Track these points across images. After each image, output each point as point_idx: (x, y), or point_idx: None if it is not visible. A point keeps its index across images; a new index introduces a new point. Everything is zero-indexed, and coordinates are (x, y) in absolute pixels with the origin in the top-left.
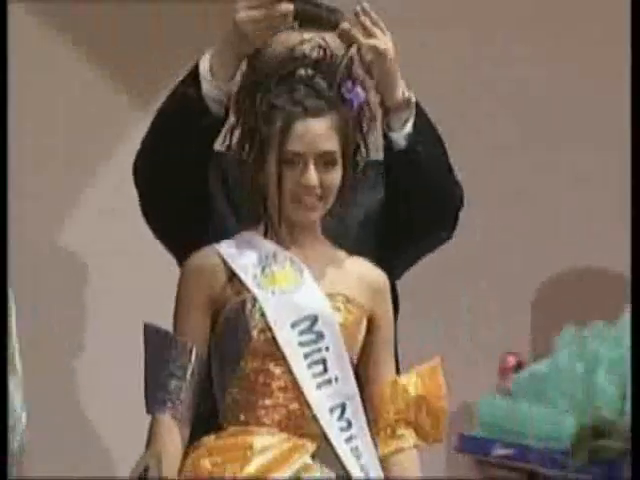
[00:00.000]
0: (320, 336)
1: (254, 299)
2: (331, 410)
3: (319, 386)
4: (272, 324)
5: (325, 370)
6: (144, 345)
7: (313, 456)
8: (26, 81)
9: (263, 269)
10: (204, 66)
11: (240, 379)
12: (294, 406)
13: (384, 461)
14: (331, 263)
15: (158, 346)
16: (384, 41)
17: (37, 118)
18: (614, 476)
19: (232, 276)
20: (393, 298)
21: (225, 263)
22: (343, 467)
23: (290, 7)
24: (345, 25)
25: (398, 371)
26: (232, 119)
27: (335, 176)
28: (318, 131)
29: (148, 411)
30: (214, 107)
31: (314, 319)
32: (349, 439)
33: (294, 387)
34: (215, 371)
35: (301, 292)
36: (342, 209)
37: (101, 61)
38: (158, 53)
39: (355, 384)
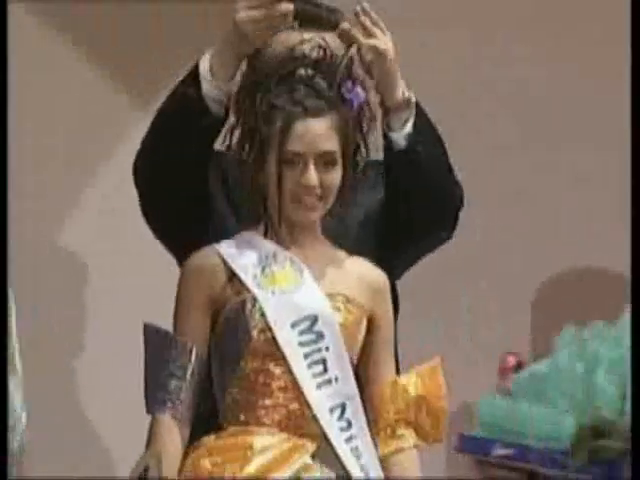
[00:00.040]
0: (320, 336)
1: (254, 299)
2: (331, 410)
3: (319, 386)
4: (272, 324)
5: (325, 370)
6: (144, 345)
7: (313, 456)
8: (26, 81)
9: (263, 269)
10: (204, 66)
11: (240, 379)
12: (294, 406)
13: (384, 461)
14: (331, 263)
15: (158, 346)
16: (384, 41)
17: (37, 118)
18: (614, 476)
19: (232, 276)
20: (393, 298)
21: (225, 263)
22: (343, 467)
23: (290, 7)
24: (345, 25)
25: (398, 371)
26: (232, 119)
27: (335, 176)
28: (318, 131)
29: (148, 411)
30: (214, 107)
31: (314, 319)
32: (349, 439)
33: (294, 387)
34: (215, 371)
35: (301, 292)
36: (342, 209)
37: (101, 61)
38: (158, 53)
39: (355, 384)
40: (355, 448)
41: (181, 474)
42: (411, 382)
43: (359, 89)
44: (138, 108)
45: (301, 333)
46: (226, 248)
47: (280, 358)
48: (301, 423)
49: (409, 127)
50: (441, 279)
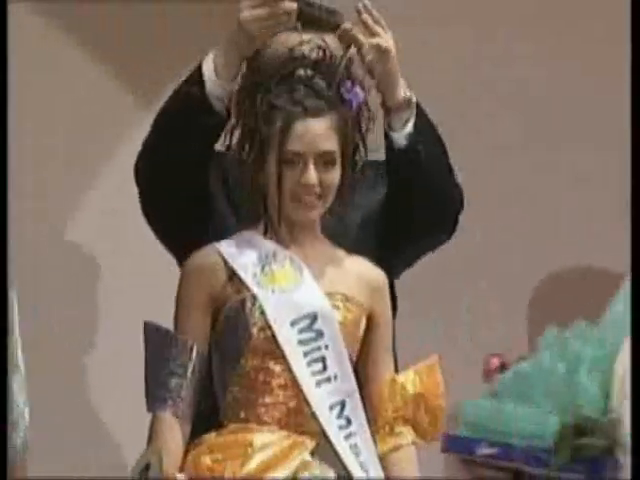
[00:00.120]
0: (319, 334)
1: (254, 297)
2: (330, 407)
3: (318, 384)
4: (272, 322)
5: (324, 368)
6: (144, 343)
7: (312, 453)
8: (26, 81)
9: (263, 268)
10: (208, 66)
11: (240, 377)
12: (294, 404)
13: (383, 458)
14: (330, 262)
15: (158, 344)
16: (386, 39)
17: (37, 118)
18: (596, 473)
19: (232, 275)
20: (391, 297)
21: (225, 262)
22: (342, 464)
23: (293, 5)
24: (347, 25)
25: (397, 370)
26: (232, 119)
27: (334, 175)
28: (318, 131)
29: (149, 409)
30: (218, 106)
31: (314, 317)
32: (348, 436)
33: (294, 385)
34: (215, 369)
35: (301, 291)
36: (341, 208)
37: (102, 61)
38: (160, 53)
39: (354, 382)
40: (354, 445)
41: (182, 471)
42: (409, 380)
43: (358, 89)
44: (140, 108)
45: (301, 331)
46: (226, 247)
47: (280, 356)
48: (301, 420)
49: (410, 127)
50: (441, 279)
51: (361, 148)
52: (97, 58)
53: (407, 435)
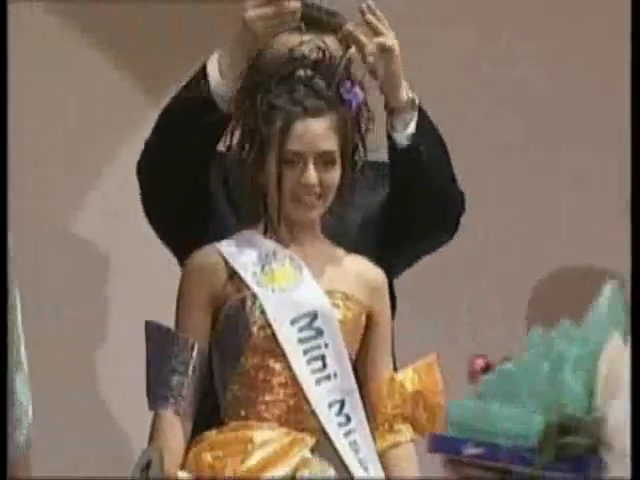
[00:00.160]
0: (319, 333)
1: (254, 296)
2: (330, 405)
3: (318, 382)
4: (272, 321)
5: (324, 366)
6: (146, 342)
7: (312, 450)
8: (27, 81)
9: (263, 267)
10: (212, 66)
11: (240, 375)
12: (294, 401)
13: (382, 455)
14: (330, 261)
15: (160, 343)
16: (390, 38)
17: (38, 118)
18: (581, 472)
19: (232, 274)
20: (391, 297)
21: (226, 261)
22: (342, 461)
23: (298, 4)
24: (349, 27)
25: (395, 369)
26: (233, 119)
27: (334, 175)
28: (318, 131)
29: (151, 407)
30: (222, 105)
31: (313, 316)
32: (348, 433)
33: (294, 383)
34: (216, 367)
35: (300, 289)
36: (341, 208)
37: (104, 61)
38: (163, 53)
39: (354, 380)
40: (353, 442)
41: (183, 468)
42: (408, 378)
43: (358, 89)
44: (141, 108)
45: (301, 330)
46: (226, 247)
47: (280, 354)
48: (300, 418)
49: (412, 127)
50: (441, 278)
51: (360, 148)
52: (98, 58)
53: (406, 432)
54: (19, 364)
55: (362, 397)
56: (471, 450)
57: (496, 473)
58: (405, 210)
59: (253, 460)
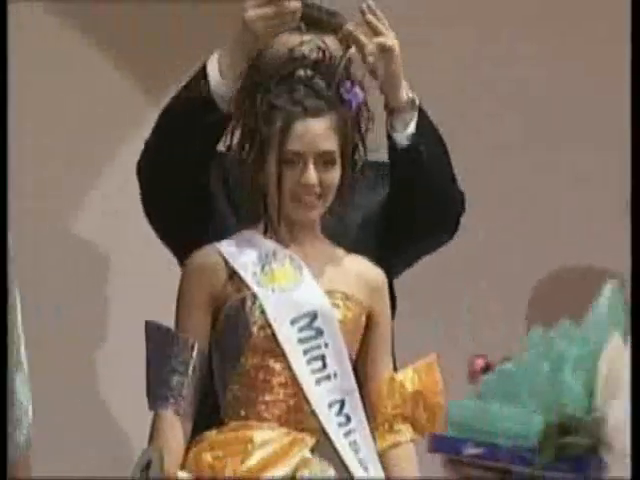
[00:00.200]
0: (319, 332)
1: (254, 296)
2: (330, 405)
3: (318, 382)
4: (272, 321)
5: (324, 366)
6: (146, 342)
7: (312, 450)
8: (27, 81)
9: (263, 267)
10: (212, 66)
11: (240, 375)
12: (294, 401)
13: (382, 455)
14: (330, 261)
15: (160, 343)
16: (390, 38)
17: (38, 118)
18: (581, 472)
19: (232, 274)
20: (391, 298)
21: (226, 261)
22: (342, 461)
23: (298, 5)
24: (349, 27)
25: (395, 369)
26: (233, 119)
27: (334, 175)
28: (318, 131)
29: (151, 407)
30: (222, 105)
31: (313, 316)
32: (347, 433)
33: (294, 383)
34: (216, 368)
35: (300, 289)
36: (341, 208)
37: (105, 60)
38: (164, 53)
39: (354, 380)
40: (353, 442)
41: (183, 468)
42: (408, 378)
43: (357, 89)
44: (142, 108)
45: (300, 330)
46: (226, 247)
47: (280, 354)
48: (300, 418)
49: (412, 127)
50: (441, 278)
51: (360, 148)
52: (98, 58)
53: (406, 432)
54: (19, 364)
55: (362, 397)
56: (471, 450)
57: (496, 473)
58: (405, 210)
59: (253, 460)
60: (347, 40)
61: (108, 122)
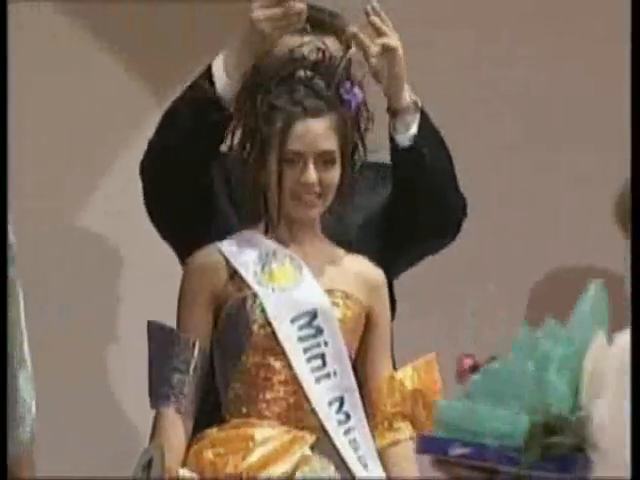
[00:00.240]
0: (319, 331)
1: (255, 295)
2: (330, 403)
3: (318, 380)
4: (272, 319)
5: (324, 364)
6: (148, 342)
7: (312, 448)
8: (27, 81)
9: (263, 266)
10: (218, 66)
11: (241, 373)
12: (294, 399)
13: (381, 453)
14: (330, 260)
15: (162, 342)
16: (393, 39)
17: (38, 118)
18: (566, 471)
19: (233, 273)
20: (391, 300)
21: (227, 261)
22: (342, 458)
23: (303, 6)
24: (353, 29)
25: (395, 369)
26: (234, 119)
27: (334, 174)
28: (318, 131)
29: (152, 406)
30: (228, 105)
31: (313, 314)
32: (347, 431)
33: (294, 381)
34: (217, 366)
35: (300, 288)
36: (341, 207)
37: (106, 60)
38: (167, 54)
39: (353, 378)
40: (353, 440)
41: (185, 465)
42: (407, 376)
43: (357, 90)
44: (146, 109)
45: (300, 328)
46: (227, 246)
47: (280, 353)
48: (301, 416)
49: (414, 129)
50: (442, 280)
51: (360, 148)
52: (99, 57)
53: (405, 430)
54: (22, 362)
55: (361, 396)
56: (458, 450)
57: (484, 473)
58: (407, 211)
59: (254, 457)
60: (349, 42)
61: (109, 122)
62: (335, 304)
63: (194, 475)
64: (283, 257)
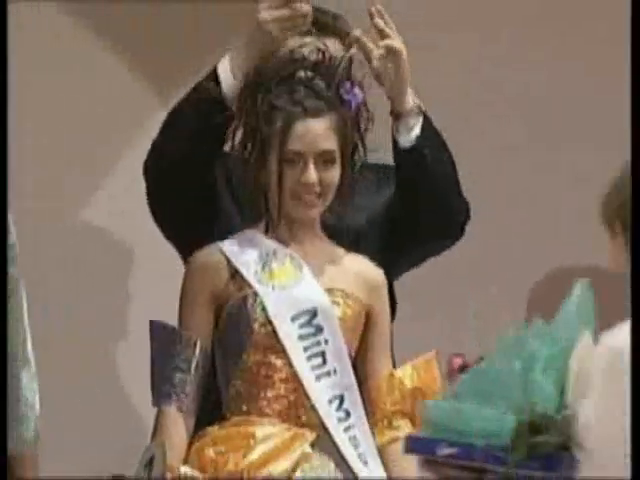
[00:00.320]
0: (319, 329)
1: (255, 294)
2: (330, 401)
3: (318, 378)
4: (273, 318)
5: (324, 362)
6: (150, 341)
7: (313, 445)
8: (27, 81)
9: (264, 266)
10: (224, 67)
11: (243, 371)
12: (294, 397)
13: (381, 450)
14: (330, 259)
15: (164, 341)
16: (397, 41)
17: (38, 118)
18: (552, 469)
19: (234, 273)
20: (391, 302)
21: (228, 260)
22: (342, 456)
23: (309, 8)
24: (356, 33)
25: (395, 369)
26: (235, 119)
27: (334, 174)
28: (318, 131)
29: (154, 404)
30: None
31: (313, 313)
32: (347, 429)
33: (294, 379)
34: (218, 364)
35: (300, 287)
36: (341, 207)
37: (108, 60)
38: (170, 55)
39: (353, 376)
40: (353, 437)
41: (186, 463)
42: (407, 374)
43: (357, 90)
44: (148, 109)
45: (301, 326)
46: (229, 246)
47: (281, 351)
48: (301, 413)
49: (417, 131)
50: (445, 281)
51: (360, 148)
52: (100, 57)
53: (405, 428)
54: (25, 361)
55: (361, 394)
56: (446, 450)
57: (474, 473)
58: (409, 212)
59: (255, 455)
60: (352, 45)
61: (113, 122)
62: (335, 303)
63: (195, 473)
64: (283, 256)
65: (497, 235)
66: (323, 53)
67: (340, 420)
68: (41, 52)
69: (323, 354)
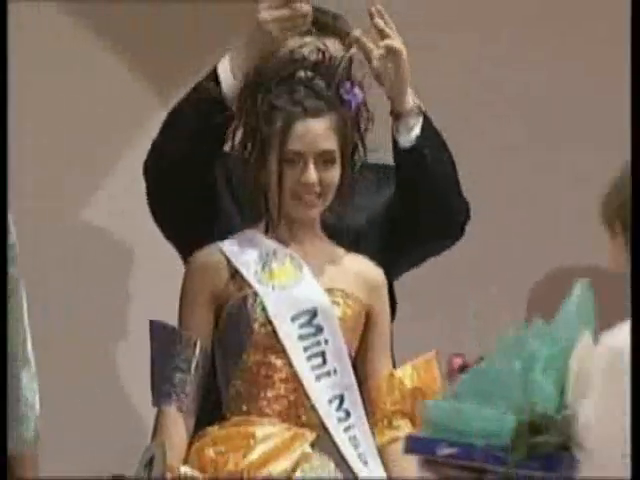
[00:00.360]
0: (319, 329)
1: (255, 294)
2: (330, 401)
3: (318, 378)
4: (273, 318)
5: (324, 362)
6: (150, 341)
7: (313, 445)
8: (27, 81)
9: (264, 266)
10: (224, 67)
11: (243, 371)
12: (294, 397)
13: (381, 450)
14: (330, 259)
15: (164, 341)
16: (397, 41)
17: (39, 118)
18: (552, 469)
19: (234, 273)
20: (391, 303)
21: (228, 260)
22: (342, 456)
23: (309, 8)
24: (356, 33)
25: (394, 368)
26: (235, 119)
27: (334, 174)
28: (318, 131)
29: (154, 404)
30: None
31: (313, 313)
32: (347, 428)
33: (294, 379)
34: (218, 364)
35: (300, 287)
36: (341, 207)
37: (108, 60)
38: (170, 55)
39: (353, 376)
40: (353, 437)
41: (186, 463)
42: (407, 374)
43: (357, 90)
44: (148, 109)
45: (301, 326)
46: (229, 246)
47: (281, 351)
48: (301, 413)
49: (417, 131)
50: (445, 281)
51: (360, 148)
52: (100, 57)
53: (405, 428)
54: (25, 361)
55: (361, 394)
56: (446, 450)
57: (474, 473)
58: (409, 212)
59: (255, 455)
60: (352, 45)
61: (113, 122)
62: (335, 303)
63: (195, 473)
64: (283, 256)
65: (497, 235)
66: (323, 53)
67: (340, 420)
68: (41, 52)
69: (323, 354)
